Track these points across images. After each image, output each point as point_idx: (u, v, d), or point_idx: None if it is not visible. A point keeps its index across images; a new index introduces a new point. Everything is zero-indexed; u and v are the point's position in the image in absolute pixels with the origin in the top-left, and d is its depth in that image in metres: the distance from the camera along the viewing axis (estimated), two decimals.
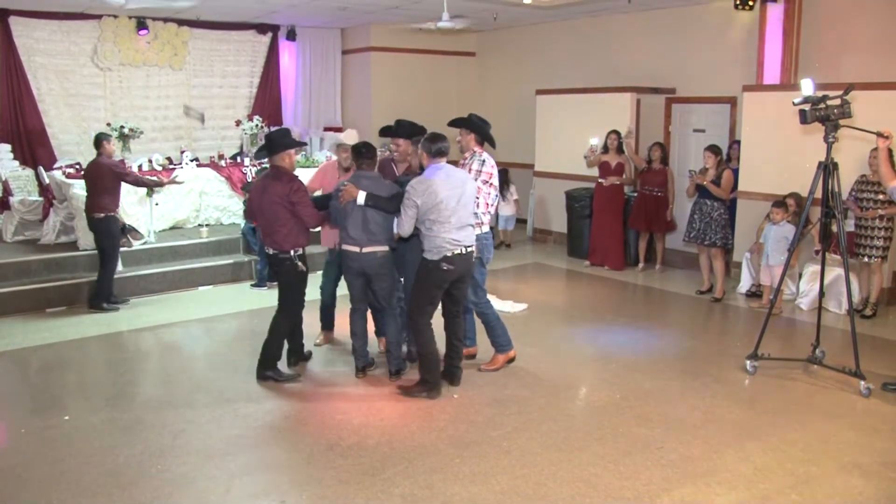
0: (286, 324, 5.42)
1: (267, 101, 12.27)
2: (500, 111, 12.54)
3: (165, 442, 4.46)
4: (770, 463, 4.17)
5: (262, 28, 12.00)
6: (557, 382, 5.40)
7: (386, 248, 5.20)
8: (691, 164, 9.53)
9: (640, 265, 9.06)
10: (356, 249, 5.15)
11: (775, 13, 8.40)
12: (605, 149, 9.07)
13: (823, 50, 8.27)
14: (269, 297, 7.19)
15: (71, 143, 10.75)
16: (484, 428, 4.61)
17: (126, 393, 5.40)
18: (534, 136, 10.91)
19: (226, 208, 9.59)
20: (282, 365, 5.51)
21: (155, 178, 7.89)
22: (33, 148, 10.38)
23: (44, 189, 9.05)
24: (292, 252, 5.22)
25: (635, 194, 9.03)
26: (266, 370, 5.39)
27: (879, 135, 5.21)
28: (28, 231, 8.85)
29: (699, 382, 5.39)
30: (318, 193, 5.79)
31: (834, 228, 5.78)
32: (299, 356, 5.73)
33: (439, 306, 5.18)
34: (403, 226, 4.92)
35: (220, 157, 10.15)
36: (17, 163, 9.99)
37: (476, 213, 5.18)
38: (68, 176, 8.47)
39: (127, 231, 7.60)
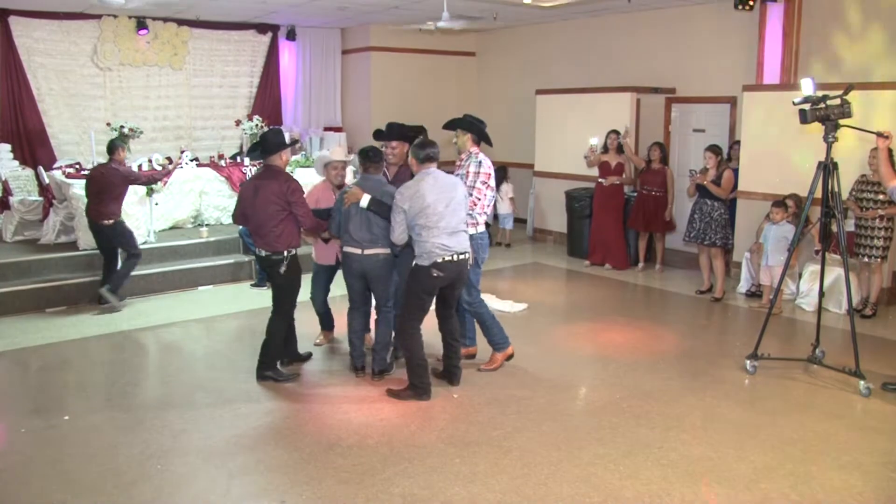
0: (283, 324, 5.41)
1: (267, 100, 12.27)
2: (500, 111, 12.55)
3: (165, 442, 4.46)
4: (770, 463, 4.17)
5: (262, 28, 12.00)
6: (557, 382, 5.40)
7: (387, 250, 5.20)
8: (691, 164, 9.53)
9: (640, 265, 9.06)
10: (358, 251, 5.15)
11: (775, 13, 8.41)
12: (605, 149, 9.08)
13: (823, 50, 8.27)
14: (268, 297, 7.14)
15: (71, 143, 10.75)
16: (484, 428, 4.61)
17: (126, 393, 5.40)
18: (534, 136, 10.91)
19: (226, 208, 9.58)
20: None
21: (160, 169, 7.86)
22: (33, 148, 10.38)
23: (44, 189, 9.05)
24: (286, 252, 5.22)
25: (635, 194, 9.03)
26: (265, 370, 5.40)
27: (879, 135, 5.22)
28: (28, 231, 8.85)
29: (699, 382, 5.39)
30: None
31: (834, 228, 5.78)
32: (293, 357, 5.72)
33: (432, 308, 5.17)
34: (395, 232, 4.91)
35: (220, 157, 10.15)
36: (17, 163, 9.99)
37: (471, 214, 5.17)
38: (68, 176, 8.46)
39: None
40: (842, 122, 5.22)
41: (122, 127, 10.08)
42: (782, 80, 8.36)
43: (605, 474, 4.03)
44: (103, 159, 9.68)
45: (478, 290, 5.56)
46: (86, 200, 7.32)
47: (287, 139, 5.50)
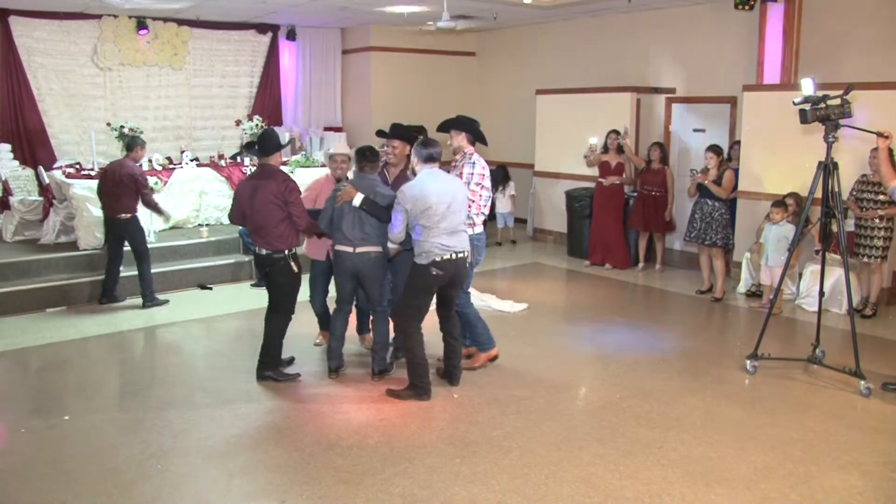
0: (282, 323, 5.41)
1: (267, 100, 12.27)
2: (500, 111, 12.56)
3: (165, 442, 4.46)
4: (770, 463, 4.17)
5: (262, 28, 12.00)
6: (557, 382, 5.40)
7: (379, 248, 5.20)
8: (691, 164, 9.54)
9: (640, 265, 9.06)
10: (349, 249, 5.16)
11: (775, 13, 8.40)
12: (605, 148, 9.08)
13: (823, 50, 8.27)
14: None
15: (71, 143, 10.75)
16: (484, 428, 4.61)
17: (126, 393, 5.41)
18: (534, 136, 10.91)
19: (226, 208, 9.56)
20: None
21: (163, 210, 7.74)
22: (33, 148, 10.39)
23: (44, 189, 9.05)
24: (286, 252, 5.22)
25: (635, 194, 9.03)
26: (266, 370, 5.40)
27: (879, 135, 5.21)
28: (28, 231, 8.85)
29: (699, 382, 5.39)
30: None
31: (834, 228, 5.78)
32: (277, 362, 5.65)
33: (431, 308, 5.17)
34: (394, 231, 4.91)
35: (220, 157, 10.16)
36: (17, 163, 10.00)
37: (469, 215, 5.17)
38: (68, 176, 8.47)
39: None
40: (842, 121, 5.22)
41: (122, 127, 10.08)
42: (782, 80, 8.36)
43: (605, 474, 4.03)
44: (103, 159, 9.75)
45: (467, 292, 5.57)
46: (96, 196, 7.45)
47: (283, 139, 5.51)
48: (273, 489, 3.91)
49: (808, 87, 5.23)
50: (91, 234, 8.08)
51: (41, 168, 9.39)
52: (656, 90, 9.92)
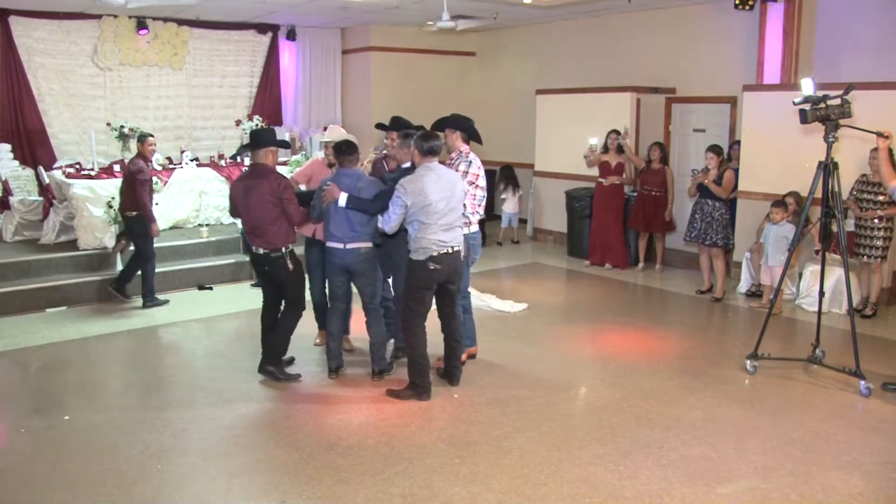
0: (295, 319, 5.42)
1: (267, 100, 12.27)
2: (500, 111, 12.56)
3: (165, 442, 4.46)
4: (770, 463, 4.17)
5: (262, 28, 12.00)
6: (557, 382, 5.40)
7: (370, 244, 5.21)
8: (691, 164, 9.54)
9: (640, 265, 9.06)
10: (340, 246, 5.17)
11: (775, 13, 8.41)
12: (605, 149, 9.08)
13: (823, 50, 8.27)
14: None
15: (71, 143, 10.74)
16: (484, 428, 4.61)
17: (126, 392, 5.41)
18: (534, 136, 10.91)
19: (226, 208, 9.55)
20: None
21: (150, 218, 7.49)
22: (33, 148, 10.38)
23: (44, 189, 9.05)
24: (284, 249, 5.22)
25: (635, 194, 9.03)
26: (268, 364, 5.40)
27: (879, 135, 5.21)
28: (28, 231, 8.86)
29: (699, 382, 5.39)
30: (302, 187, 5.81)
31: (834, 228, 5.78)
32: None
33: (433, 307, 5.17)
34: (390, 223, 4.90)
35: (220, 157, 10.16)
36: (17, 163, 9.99)
37: (463, 213, 5.17)
38: (68, 176, 8.47)
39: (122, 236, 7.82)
40: (842, 121, 5.22)
41: (122, 127, 10.08)
42: (782, 80, 8.36)
43: (605, 474, 4.03)
44: (103, 159, 9.76)
45: (467, 291, 5.58)
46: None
47: (279, 140, 5.49)
48: (273, 489, 3.91)
49: (807, 87, 5.23)
50: (91, 234, 8.08)
51: (41, 168, 9.39)
52: (656, 90, 9.92)
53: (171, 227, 9.26)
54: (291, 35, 12.12)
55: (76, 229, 8.16)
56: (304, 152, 10.92)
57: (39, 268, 7.78)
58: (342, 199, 5.01)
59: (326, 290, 6.05)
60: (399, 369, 5.47)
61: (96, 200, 8.08)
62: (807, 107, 5.21)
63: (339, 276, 5.31)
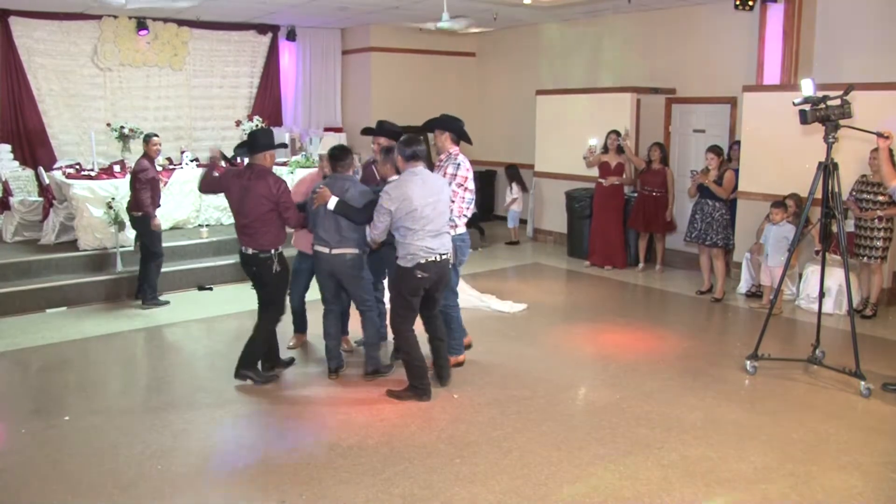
0: (273, 323, 5.40)
1: (267, 101, 12.27)
2: (500, 111, 12.57)
3: (165, 442, 4.46)
4: (770, 463, 4.17)
5: (262, 28, 12.00)
6: (557, 382, 5.40)
7: (356, 250, 5.20)
8: (691, 164, 9.55)
9: (641, 265, 9.06)
10: (326, 251, 5.17)
11: (775, 13, 8.40)
12: (605, 149, 9.08)
13: (823, 50, 8.27)
14: None
15: (71, 144, 10.74)
16: (484, 428, 4.61)
17: (126, 393, 5.41)
18: (534, 136, 10.91)
19: (226, 208, 9.57)
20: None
21: (154, 215, 7.48)
22: (33, 148, 10.38)
23: (44, 189, 9.05)
24: (273, 251, 5.22)
25: (635, 194, 9.03)
26: (245, 370, 5.35)
27: (880, 135, 5.21)
28: (28, 231, 8.85)
29: (699, 383, 5.39)
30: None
31: (834, 229, 5.78)
32: (275, 362, 5.63)
33: None
34: (376, 230, 4.89)
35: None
36: (17, 163, 10.00)
37: (450, 217, 5.16)
38: (68, 176, 8.46)
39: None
40: (842, 122, 5.22)
41: (122, 127, 10.08)
42: (782, 80, 8.36)
43: (605, 474, 4.03)
44: (103, 160, 9.76)
45: (456, 293, 5.57)
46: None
47: (284, 140, 5.49)
48: (273, 489, 3.90)
49: (807, 87, 5.23)
50: (91, 235, 8.09)
51: (41, 168, 9.39)
52: (656, 90, 9.92)
53: (172, 228, 9.25)
54: (291, 35, 12.12)
55: (76, 230, 8.16)
56: (304, 153, 10.92)
57: (39, 268, 7.77)
58: (332, 202, 5.00)
59: (305, 297, 6.10)
60: (396, 370, 5.48)
61: (96, 201, 8.08)
62: (807, 107, 5.21)
63: (327, 279, 5.31)
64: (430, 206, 4.80)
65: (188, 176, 9.32)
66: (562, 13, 10.50)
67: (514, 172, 10.88)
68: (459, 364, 5.65)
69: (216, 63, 11.82)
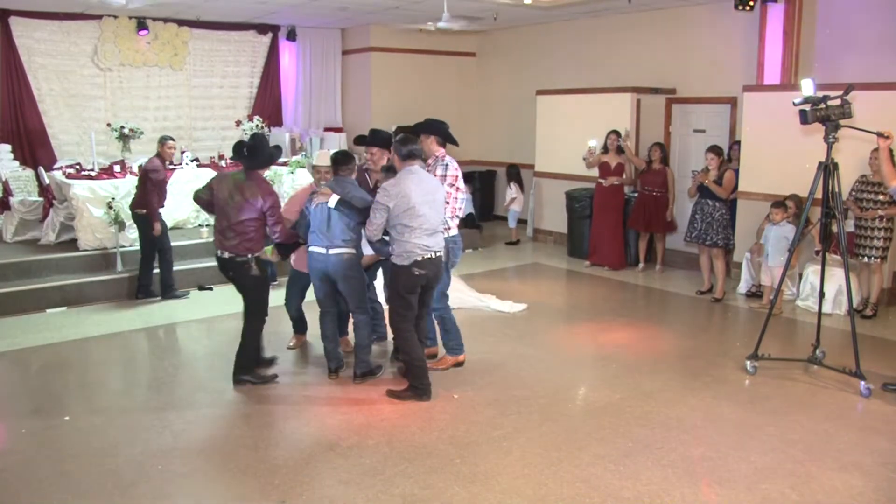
0: (259, 326, 5.39)
1: (267, 101, 12.27)
2: (500, 111, 12.57)
3: (165, 442, 4.46)
4: (770, 463, 4.17)
5: (262, 28, 12.00)
6: (557, 382, 5.40)
7: (352, 251, 5.20)
8: (692, 164, 9.55)
9: (641, 265, 9.06)
10: (322, 250, 5.16)
11: (775, 13, 8.41)
12: (605, 149, 9.08)
13: (823, 50, 8.27)
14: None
15: (71, 144, 10.75)
16: (484, 428, 4.61)
17: (126, 393, 5.41)
18: (534, 136, 10.91)
19: None
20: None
21: (156, 219, 7.52)
22: (33, 148, 10.39)
23: (44, 189, 9.06)
24: (249, 255, 5.19)
25: (635, 195, 9.03)
26: (242, 374, 5.36)
27: (880, 135, 5.21)
28: (28, 231, 8.85)
29: (699, 382, 5.39)
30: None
31: (834, 229, 5.78)
32: (258, 362, 5.59)
33: None
34: (372, 226, 4.90)
35: (221, 157, 10.15)
36: (17, 163, 10.00)
37: (443, 218, 5.17)
38: (68, 176, 8.47)
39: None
40: (842, 122, 5.22)
41: (122, 127, 10.08)
42: (782, 80, 8.36)
43: (604, 474, 4.03)
44: (103, 160, 9.75)
45: (447, 295, 5.58)
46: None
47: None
48: (273, 489, 3.90)
49: (808, 87, 5.23)
50: (91, 235, 8.09)
51: (41, 168, 9.39)
52: (656, 90, 9.92)
53: (172, 228, 9.18)
54: (292, 35, 12.12)
55: (76, 230, 8.16)
56: (304, 153, 10.92)
57: (39, 268, 7.77)
58: (332, 200, 5.02)
59: (302, 305, 6.11)
60: (387, 370, 5.52)
61: (96, 201, 8.08)
62: (807, 107, 5.21)
63: (322, 281, 5.29)
64: (427, 204, 4.84)
65: (188, 176, 9.32)
66: (562, 13, 10.50)
67: (514, 172, 10.91)
68: (460, 364, 5.66)
69: (216, 63, 11.82)
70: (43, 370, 5.88)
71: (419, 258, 4.85)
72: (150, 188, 7.30)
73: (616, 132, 9.04)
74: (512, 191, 10.82)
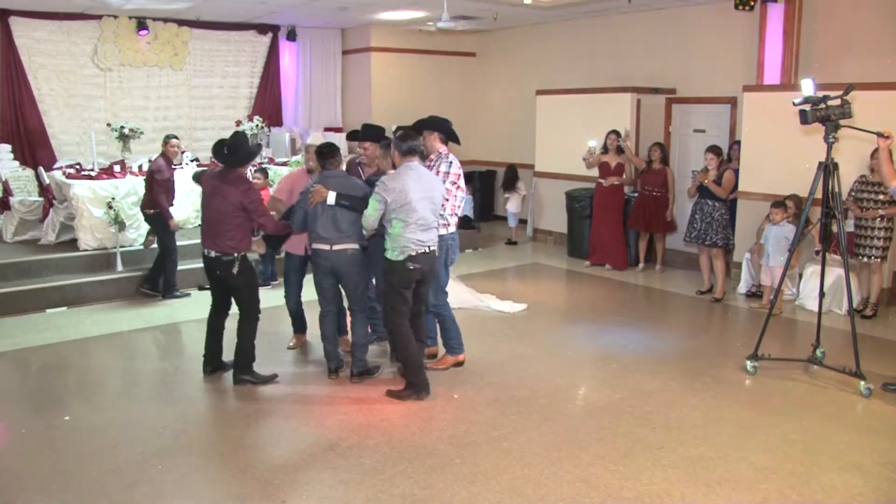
0: (253, 325, 5.39)
1: (267, 101, 12.28)
2: (500, 111, 12.57)
3: (165, 442, 4.46)
4: (770, 463, 4.16)
5: (262, 28, 12.01)
6: (557, 382, 5.40)
7: (356, 245, 5.21)
8: (692, 164, 9.55)
9: (641, 265, 9.06)
10: (326, 247, 5.17)
11: (775, 13, 8.40)
12: (605, 149, 9.08)
13: (823, 50, 8.27)
14: (268, 297, 7.17)
15: (71, 144, 10.75)
16: (484, 428, 4.61)
17: (126, 393, 5.41)
18: (534, 136, 10.91)
19: None
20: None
21: (168, 215, 7.54)
22: (33, 148, 10.39)
23: (44, 189, 9.06)
24: (235, 254, 5.19)
25: (635, 194, 9.03)
26: (242, 374, 5.36)
27: (880, 135, 5.21)
28: (28, 231, 8.86)
29: (699, 383, 5.39)
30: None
31: (834, 229, 5.78)
32: (217, 365, 5.58)
33: None
34: (368, 219, 4.92)
35: None
36: (17, 163, 10.00)
37: (441, 214, 5.17)
38: (68, 176, 8.47)
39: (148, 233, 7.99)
40: (842, 122, 5.22)
41: (122, 127, 10.08)
42: (782, 80, 8.36)
43: (605, 475, 4.03)
44: (103, 160, 9.76)
45: (445, 292, 5.58)
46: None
47: (253, 148, 5.53)
48: (273, 489, 3.90)
49: (808, 87, 5.23)
50: (91, 235, 8.09)
51: (41, 168, 9.39)
52: (656, 90, 9.92)
53: None
54: (292, 35, 12.13)
55: (76, 230, 8.16)
56: (304, 153, 10.93)
57: (39, 268, 7.78)
58: (331, 197, 5.02)
59: (301, 298, 6.08)
60: (387, 372, 5.51)
61: (96, 201, 8.08)
62: (807, 107, 5.20)
63: (326, 278, 5.29)
64: (425, 200, 4.86)
65: (188, 176, 9.31)
66: (562, 13, 10.50)
67: (511, 175, 10.90)
68: (460, 364, 5.66)
69: (216, 63, 11.82)
70: (43, 370, 5.88)
71: (413, 253, 4.87)
72: (157, 188, 7.39)
73: (616, 132, 9.04)
74: (508, 192, 10.86)
